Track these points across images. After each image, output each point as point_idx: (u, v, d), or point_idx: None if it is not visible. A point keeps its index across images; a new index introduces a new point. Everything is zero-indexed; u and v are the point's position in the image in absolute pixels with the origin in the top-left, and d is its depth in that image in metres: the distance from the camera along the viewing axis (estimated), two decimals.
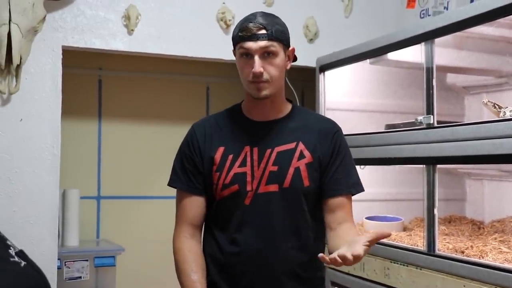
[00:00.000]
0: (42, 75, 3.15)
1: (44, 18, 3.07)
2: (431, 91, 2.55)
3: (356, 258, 1.58)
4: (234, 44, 2.04)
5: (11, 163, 2.95)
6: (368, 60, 2.99)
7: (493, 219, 3.01)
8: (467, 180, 3.39)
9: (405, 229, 3.06)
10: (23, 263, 1.29)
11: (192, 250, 2.04)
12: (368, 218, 3.06)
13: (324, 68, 3.24)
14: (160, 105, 3.95)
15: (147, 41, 3.34)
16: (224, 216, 2.03)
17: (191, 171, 2.07)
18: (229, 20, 3.42)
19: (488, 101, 2.58)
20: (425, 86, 2.57)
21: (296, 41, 3.51)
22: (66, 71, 3.26)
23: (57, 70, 3.19)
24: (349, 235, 1.91)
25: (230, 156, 2.03)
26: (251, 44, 1.95)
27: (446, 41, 2.56)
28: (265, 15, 2.02)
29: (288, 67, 2.07)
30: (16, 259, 1.29)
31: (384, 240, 2.76)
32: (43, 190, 3.09)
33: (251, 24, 1.96)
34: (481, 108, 3.30)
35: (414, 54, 2.68)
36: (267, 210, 1.99)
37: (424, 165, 2.55)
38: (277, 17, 2.06)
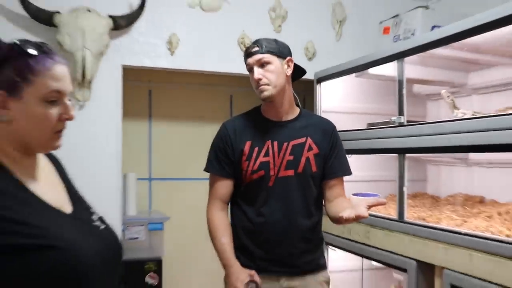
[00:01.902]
0: (108, 87, 3.19)
1: (108, 44, 3.11)
2: (402, 98, 2.59)
3: (362, 217, 1.74)
4: (245, 63, 2.14)
5: (85, 154, 3.01)
6: (354, 74, 3.02)
7: (447, 194, 3.06)
8: (428, 165, 3.42)
9: None
10: (102, 226, 1.31)
11: (222, 219, 2.10)
12: (354, 194, 3.10)
13: (320, 80, 3.28)
14: (194, 108, 3.99)
15: (185, 60, 3.37)
16: (252, 194, 2.09)
17: (223, 160, 2.12)
18: (247, 43, 3.46)
19: (449, 94, 2.59)
20: (397, 94, 2.60)
21: (299, 59, 3.60)
22: (125, 84, 3.32)
23: (118, 83, 3.24)
24: (345, 203, 2.04)
25: (256, 148, 2.09)
26: (249, 60, 2.10)
27: (413, 59, 2.58)
28: (262, 38, 2.15)
29: (289, 73, 2.13)
30: (97, 223, 1.31)
31: None
32: (110, 174, 3.16)
33: (249, 46, 2.12)
34: (439, 111, 3.36)
35: (389, 69, 2.70)
36: (286, 190, 2.07)
37: (397, 154, 2.60)
38: (272, 39, 2.16)
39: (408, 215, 2.54)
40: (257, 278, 1.97)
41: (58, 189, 1.31)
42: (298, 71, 2.23)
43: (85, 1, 3.09)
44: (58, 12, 2.99)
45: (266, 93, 2.07)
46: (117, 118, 3.25)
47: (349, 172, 2.23)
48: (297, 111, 2.22)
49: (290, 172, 2.08)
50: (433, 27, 3.05)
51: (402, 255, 2.47)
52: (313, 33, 3.69)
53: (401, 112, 2.59)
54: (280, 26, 3.58)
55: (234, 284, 1.94)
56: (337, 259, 3.17)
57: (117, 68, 3.24)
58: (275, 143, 2.10)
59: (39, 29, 3.01)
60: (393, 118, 2.61)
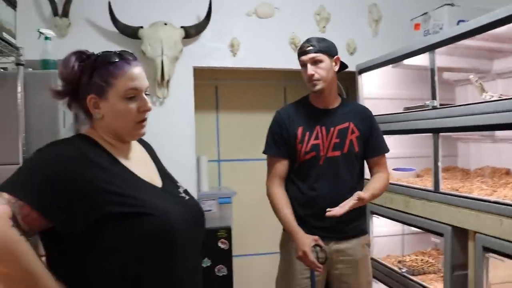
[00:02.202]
0: (182, 86, 3.25)
1: (181, 50, 3.16)
2: (434, 84, 2.50)
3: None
4: (298, 59, 2.12)
5: (166, 140, 3.02)
6: (390, 65, 2.94)
7: (476, 168, 2.95)
8: (458, 142, 3.29)
9: (418, 176, 3.01)
10: (187, 197, 1.33)
11: (282, 194, 2.08)
12: (394, 169, 3.04)
13: (361, 71, 3.22)
14: (253, 100, 3.95)
15: (245, 59, 3.39)
16: (305, 172, 2.08)
17: (280, 142, 2.11)
18: (297, 43, 3.44)
19: (477, 79, 2.48)
20: (430, 81, 2.52)
21: (342, 54, 3.48)
22: (196, 82, 3.35)
23: (190, 82, 3.29)
24: (372, 181, 2.09)
25: (307, 133, 2.09)
26: (303, 57, 2.09)
27: (443, 50, 2.49)
28: (314, 38, 2.14)
29: (336, 69, 2.12)
30: (183, 195, 1.33)
31: (405, 183, 2.77)
32: (186, 157, 3.23)
33: (304, 45, 2.10)
34: (466, 95, 3.23)
35: (421, 60, 2.63)
36: (334, 167, 2.06)
37: (431, 134, 2.51)
38: (322, 38, 2.16)
39: (443, 187, 2.46)
40: (321, 242, 1.95)
41: (150, 168, 1.36)
42: (342, 65, 2.20)
43: (162, 16, 3.16)
44: (141, 27, 3.06)
45: (317, 87, 2.07)
46: (190, 111, 3.30)
47: (386, 150, 2.20)
48: (339, 100, 2.21)
49: (337, 153, 2.08)
50: (459, 21, 2.92)
51: (438, 222, 2.40)
52: (353, 32, 3.63)
53: (434, 97, 2.51)
54: (324, 27, 3.52)
55: (302, 248, 1.91)
56: (380, 225, 3.11)
57: (189, 69, 3.28)
58: (323, 128, 2.10)
59: (126, 42, 3.10)
60: (427, 102, 2.53)
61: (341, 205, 1.88)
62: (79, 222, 1.07)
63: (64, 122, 2.19)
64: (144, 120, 1.26)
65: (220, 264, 3.26)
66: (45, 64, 2.23)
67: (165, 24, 3.10)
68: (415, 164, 3.11)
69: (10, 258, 0.99)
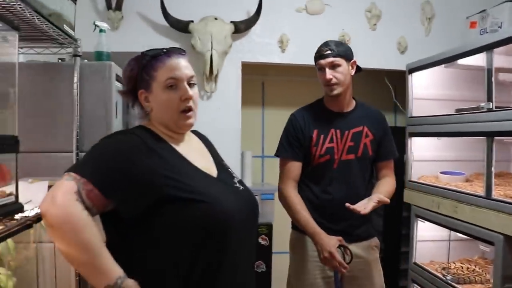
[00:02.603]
0: (230, 80, 3.26)
1: (231, 45, 3.16)
2: (490, 85, 2.38)
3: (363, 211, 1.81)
4: (315, 63, 2.11)
5: (212, 135, 2.99)
6: (443, 65, 2.82)
7: None
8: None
9: (467, 180, 2.90)
10: (241, 187, 1.35)
11: (298, 197, 2.07)
12: (441, 172, 2.94)
13: (411, 71, 3.11)
14: (299, 97, 3.80)
15: (294, 56, 3.37)
16: (318, 175, 2.08)
17: (295, 145, 2.11)
18: (347, 40, 3.37)
19: None
20: (486, 82, 2.40)
21: (392, 53, 3.46)
22: (243, 77, 3.35)
23: (238, 77, 3.30)
24: (379, 188, 2.06)
25: (322, 136, 2.09)
26: (322, 61, 2.05)
27: (500, 50, 2.36)
28: (332, 41, 2.11)
29: (352, 73, 2.11)
30: (237, 185, 1.35)
31: (454, 188, 2.67)
32: (231, 152, 3.22)
33: (323, 48, 2.07)
34: None
35: (477, 60, 2.51)
36: (348, 171, 2.06)
37: (486, 137, 2.39)
38: (340, 42, 2.17)
39: (495, 193, 2.34)
40: (344, 242, 1.94)
41: (206, 158, 1.40)
42: (357, 68, 2.17)
43: (212, 10, 3.16)
44: (191, 21, 3.08)
45: (335, 92, 2.06)
46: (237, 106, 3.30)
47: (396, 155, 2.23)
48: (353, 103, 2.20)
49: (351, 156, 2.08)
50: None
51: (489, 229, 2.28)
52: (405, 30, 3.53)
53: (489, 99, 2.38)
54: (375, 24, 3.44)
55: (328, 249, 1.88)
56: (424, 230, 3.01)
57: (237, 64, 3.29)
58: (338, 131, 2.10)
59: (176, 36, 3.13)
60: (482, 104, 2.41)
61: (359, 205, 1.87)
62: (137, 204, 1.14)
63: (116, 113, 2.23)
64: (189, 110, 1.29)
65: (260, 260, 3.26)
66: (99, 55, 2.27)
67: (216, 18, 3.10)
68: (463, 168, 3.00)
69: (72, 229, 1.05)
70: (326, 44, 2.09)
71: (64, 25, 1.85)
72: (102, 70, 2.12)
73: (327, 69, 2.04)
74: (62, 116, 2.06)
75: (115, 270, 1.09)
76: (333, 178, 2.06)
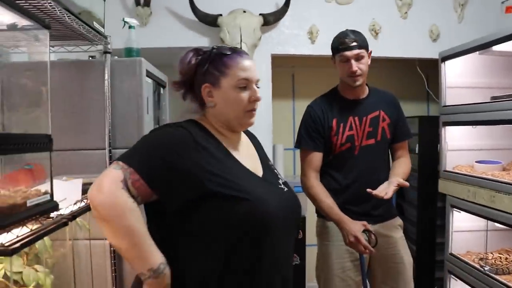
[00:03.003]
0: (260, 73, 3.19)
1: (260, 38, 3.13)
2: None
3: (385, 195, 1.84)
4: (335, 53, 2.12)
5: None
6: (477, 52, 2.71)
7: None
8: None
9: (504, 169, 2.79)
10: (285, 189, 1.35)
11: (321, 186, 2.08)
12: (477, 162, 2.84)
13: (444, 59, 3.00)
14: (327, 87, 3.87)
15: (324, 47, 3.27)
16: (341, 163, 2.10)
17: (315, 136, 2.12)
18: (377, 30, 3.29)
19: None
20: None
21: (424, 41, 3.37)
22: (273, 70, 3.31)
23: (269, 69, 3.27)
24: (395, 170, 2.10)
25: (341, 124, 2.11)
26: (347, 53, 2.05)
27: None
28: (353, 32, 2.11)
29: (369, 63, 2.12)
30: (282, 186, 1.35)
31: (490, 177, 2.57)
32: (262, 144, 3.13)
33: (347, 40, 2.06)
34: None
35: None
36: (369, 155, 2.09)
37: None
38: (359, 32, 2.14)
39: None
40: (369, 226, 1.97)
41: (253, 157, 1.40)
42: None
43: (241, 3, 3.13)
44: (220, 15, 3.06)
45: (358, 83, 2.09)
46: (268, 98, 3.27)
47: (411, 135, 2.27)
48: (367, 88, 2.22)
49: (371, 141, 2.11)
50: None
51: None
52: (437, 17, 3.40)
53: None
54: (406, 12, 3.34)
55: (354, 233, 1.90)
56: (459, 220, 2.92)
57: (267, 56, 3.26)
58: (356, 118, 2.12)
59: (205, 30, 3.13)
60: None
61: (380, 189, 1.90)
62: (180, 197, 1.17)
63: (148, 109, 2.23)
64: (254, 109, 1.32)
65: (294, 253, 3.22)
66: (129, 52, 2.28)
67: (244, 11, 3.07)
68: (500, 156, 2.89)
69: (117, 215, 1.08)
70: (348, 35, 2.08)
71: (94, 22, 1.86)
72: (132, 66, 2.12)
73: (352, 61, 2.05)
74: (94, 114, 2.08)
75: (158, 256, 1.12)
76: (354, 164, 2.08)
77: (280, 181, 1.38)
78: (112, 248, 1.96)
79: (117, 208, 1.08)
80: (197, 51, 1.33)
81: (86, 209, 1.41)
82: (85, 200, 1.44)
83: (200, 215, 1.17)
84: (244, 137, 1.43)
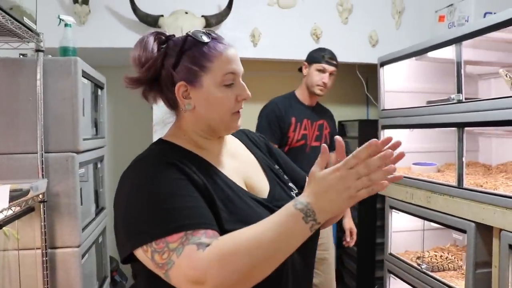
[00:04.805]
0: None
1: None
2: (460, 77, 2.38)
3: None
4: (314, 62, 2.52)
5: None
6: (414, 58, 2.81)
7: (498, 163, 2.82)
8: (480, 137, 3.17)
9: (438, 170, 2.91)
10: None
11: None
12: (414, 163, 2.94)
13: (383, 64, 3.09)
14: (273, 92, 3.85)
15: (266, 50, 3.30)
16: (293, 157, 2.29)
17: (275, 130, 2.45)
18: (318, 34, 3.33)
19: (507, 73, 2.36)
20: (456, 74, 2.39)
21: (364, 46, 3.45)
22: None
23: None
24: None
25: (298, 123, 2.49)
26: (327, 67, 2.50)
27: (467, 43, 2.37)
28: (332, 52, 2.56)
29: None
30: (295, 196, 1.11)
31: (426, 178, 2.66)
32: None
33: (330, 56, 2.52)
34: (490, 88, 3.10)
35: (446, 52, 2.49)
36: (316, 156, 2.23)
37: (456, 128, 2.39)
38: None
39: (466, 182, 2.35)
40: None
41: (250, 167, 1.15)
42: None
43: (183, 5, 3.07)
44: (162, 16, 2.99)
45: (322, 93, 2.54)
46: None
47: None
48: (316, 100, 2.64)
49: (318, 143, 2.48)
50: (486, 13, 2.82)
51: (461, 218, 2.29)
52: (376, 23, 3.51)
53: (459, 90, 2.38)
54: (347, 18, 3.41)
55: None
56: (399, 221, 3.01)
57: None
58: (309, 121, 2.52)
59: (145, 30, 3.01)
60: (453, 96, 2.41)
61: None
62: None
63: (84, 111, 2.13)
64: (240, 110, 1.06)
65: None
66: (65, 51, 2.17)
67: (186, 13, 3.02)
68: (433, 159, 3.01)
69: (232, 262, 0.81)
70: (331, 53, 2.53)
71: (24, 18, 1.74)
72: (67, 66, 2.02)
73: (327, 74, 2.48)
74: (25, 115, 1.95)
75: (281, 209, 0.87)
76: (304, 161, 2.22)
77: (293, 193, 1.14)
78: (44, 258, 1.84)
79: (223, 268, 0.81)
80: (158, 35, 1.05)
81: (15, 217, 1.31)
82: (12, 208, 1.33)
83: None
84: (231, 141, 1.17)
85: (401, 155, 0.93)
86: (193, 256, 0.82)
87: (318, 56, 2.53)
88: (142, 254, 0.88)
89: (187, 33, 1.04)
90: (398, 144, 0.93)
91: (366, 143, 0.85)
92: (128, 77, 1.03)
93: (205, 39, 1.02)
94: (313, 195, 0.85)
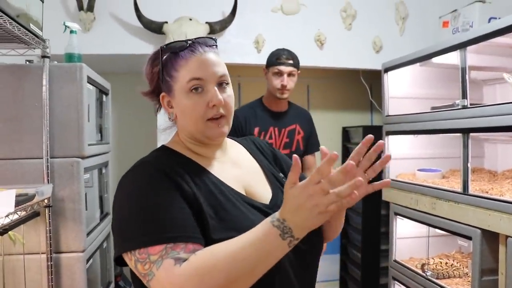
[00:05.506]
0: None
1: None
2: (465, 83, 2.38)
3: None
4: (270, 66, 2.42)
5: None
6: (418, 63, 2.82)
7: (504, 169, 2.82)
8: (485, 143, 3.17)
9: (443, 177, 2.90)
10: None
11: None
12: (419, 170, 2.93)
13: (387, 69, 3.10)
14: None
15: None
16: None
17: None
18: (323, 40, 3.34)
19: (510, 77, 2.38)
20: (460, 80, 2.39)
21: (368, 52, 3.45)
22: None
23: None
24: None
25: (263, 133, 2.38)
26: (283, 68, 2.39)
27: (472, 48, 2.37)
28: (289, 51, 2.44)
29: (295, 81, 2.47)
30: None
31: (431, 184, 2.66)
32: None
33: (284, 57, 2.38)
34: (495, 94, 3.10)
35: (450, 58, 2.50)
36: None
37: (461, 134, 2.39)
38: (295, 54, 2.47)
39: (471, 188, 2.34)
40: None
41: (252, 175, 1.14)
42: None
43: (187, 11, 3.10)
44: (166, 22, 3.01)
45: (285, 96, 2.42)
46: None
47: (318, 149, 2.52)
48: (287, 103, 2.54)
49: (287, 151, 2.37)
50: (490, 18, 2.82)
51: (467, 224, 2.28)
52: (380, 29, 3.52)
53: (464, 96, 2.38)
54: (350, 24, 3.42)
55: None
56: (404, 227, 3.01)
57: None
58: (276, 129, 2.43)
59: (150, 37, 3.05)
60: (457, 102, 2.41)
61: None
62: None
63: (89, 116, 2.14)
64: (220, 116, 1.03)
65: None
66: (70, 57, 2.19)
67: (190, 19, 3.04)
68: (438, 165, 3.01)
69: (206, 275, 0.83)
70: (285, 53, 2.39)
71: (31, 24, 1.76)
72: (72, 72, 2.04)
73: (285, 76, 2.36)
74: (31, 121, 1.97)
75: (259, 225, 0.87)
76: None
77: None
78: (49, 263, 1.86)
79: (200, 284, 0.82)
80: (154, 53, 1.09)
81: (20, 221, 1.32)
82: (18, 212, 1.34)
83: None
84: (234, 147, 1.18)
85: (386, 159, 0.98)
86: (170, 270, 0.84)
87: (272, 59, 2.43)
88: (128, 260, 0.91)
89: (161, 46, 1.07)
90: (380, 146, 0.95)
91: (326, 157, 0.82)
92: (140, 91, 1.14)
93: (177, 49, 1.04)
94: (287, 212, 0.84)
